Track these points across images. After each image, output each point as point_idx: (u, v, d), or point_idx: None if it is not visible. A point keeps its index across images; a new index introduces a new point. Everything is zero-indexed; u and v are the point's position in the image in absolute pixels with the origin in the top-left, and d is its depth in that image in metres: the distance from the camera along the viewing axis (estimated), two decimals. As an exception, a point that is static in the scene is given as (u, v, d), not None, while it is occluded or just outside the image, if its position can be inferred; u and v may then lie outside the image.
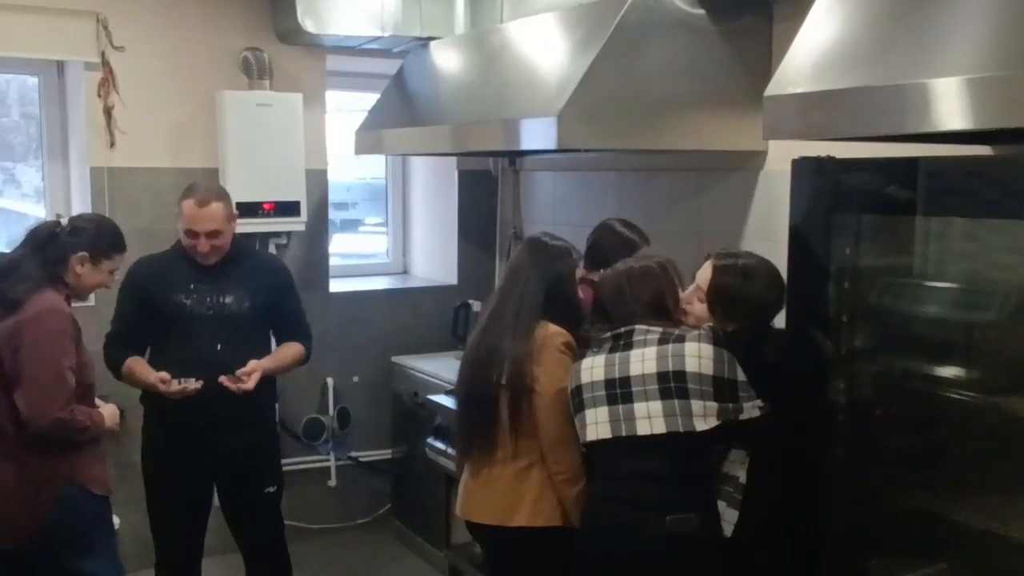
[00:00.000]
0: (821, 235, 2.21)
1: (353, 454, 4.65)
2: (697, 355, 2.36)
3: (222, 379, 3.10)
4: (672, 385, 2.36)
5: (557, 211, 4.32)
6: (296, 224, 4.23)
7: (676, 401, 2.35)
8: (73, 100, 4.07)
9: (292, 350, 3.37)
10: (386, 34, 4.10)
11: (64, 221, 2.88)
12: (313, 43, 4.22)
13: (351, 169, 5.14)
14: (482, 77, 3.68)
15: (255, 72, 4.12)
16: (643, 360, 2.40)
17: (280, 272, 3.49)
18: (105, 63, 3.90)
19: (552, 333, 2.61)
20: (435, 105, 3.90)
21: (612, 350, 2.48)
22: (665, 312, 2.53)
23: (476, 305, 4.42)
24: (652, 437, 2.36)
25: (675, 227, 3.59)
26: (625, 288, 2.55)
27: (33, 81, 4.15)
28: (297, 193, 4.17)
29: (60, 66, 4.10)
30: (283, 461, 4.39)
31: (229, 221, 3.20)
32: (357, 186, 5.31)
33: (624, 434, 2.39)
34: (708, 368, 2.35)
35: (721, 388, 2.35)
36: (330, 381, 4.54)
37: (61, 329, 2.68)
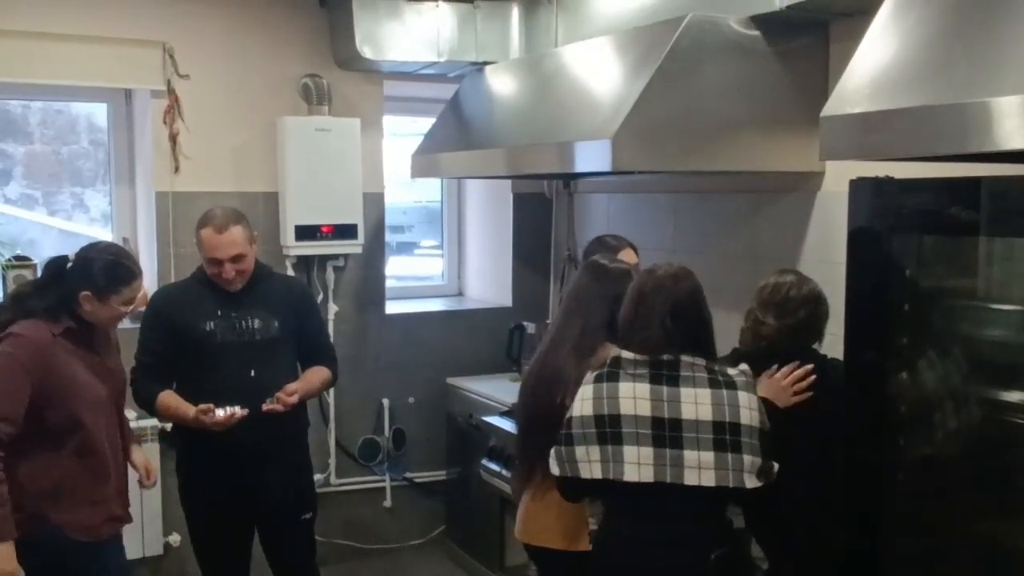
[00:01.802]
0: (880, 257, 2.18)
1: (408, 475, 4.67)
2: (749, 406, 2.30)
3: (265, 407, 3.02)
4: (727, 437, 2.26)
5: (611, 233, 4.31)
6: (353, 247, 4.29)
7: (729, 455, 2.26)
8: (140, 127, 4.19)
9: (321, 374, 3.28)
10: (442, 59, 4.16)
11: (72, 255, 2.73)
12: (371, 69, 4.29)
13: (407, 192, 5.20)
14: (537, 100, 3.71)
15: (314, 98, 4.20)
16: (696, 403, 2.28)
17: (303, 293, 3.47)
18: (171, 91, 4.02)
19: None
20: (490, 128, 3.93)
21: (654, 380, 2.32)
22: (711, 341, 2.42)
23: (531, 327, 4.42)
24: (697, 488, 2.28)
25: (731, 249, 3.56)
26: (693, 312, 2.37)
27: (102, 109, 4.29)
28: (355, 216, 4.23)
29: (128, 94, 4.23)
30: (339, 481, 4.49)
31: (250, 244, 3.11)
32: (413, 209, 5.37)
33: (669, 480, 2.29)
34: (757, 421, 2.29)
35: (766, 442, 2.29)
36: (386, 402, 4.57)
37: (9, 352, 2.53)
